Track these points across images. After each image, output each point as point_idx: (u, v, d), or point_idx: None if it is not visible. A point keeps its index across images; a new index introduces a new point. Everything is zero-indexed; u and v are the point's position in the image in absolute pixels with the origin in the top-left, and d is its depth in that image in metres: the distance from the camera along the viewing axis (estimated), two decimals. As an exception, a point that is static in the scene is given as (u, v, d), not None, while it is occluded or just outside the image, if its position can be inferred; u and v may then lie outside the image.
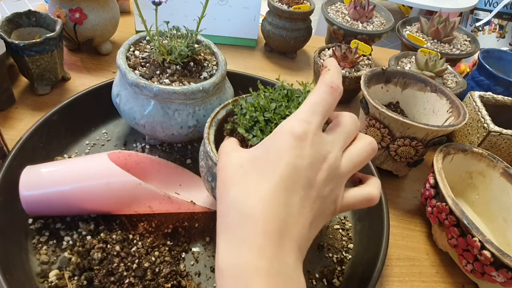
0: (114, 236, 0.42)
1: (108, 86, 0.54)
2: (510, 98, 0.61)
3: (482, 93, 0.61)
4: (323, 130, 0.30)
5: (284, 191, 0.26)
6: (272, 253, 0.24)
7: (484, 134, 0.56)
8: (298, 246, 0.26)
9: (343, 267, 0.46)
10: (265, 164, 0.27)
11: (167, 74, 0.49)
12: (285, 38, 0.79)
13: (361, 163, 0.31)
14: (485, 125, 0.56)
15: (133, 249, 0.42)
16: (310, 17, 0.80)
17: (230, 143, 0.33)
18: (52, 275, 0.39)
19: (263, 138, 0.36)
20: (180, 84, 0.48)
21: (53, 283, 0.39)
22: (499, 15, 1.78)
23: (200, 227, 0.47)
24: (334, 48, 0.71)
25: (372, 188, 0.32)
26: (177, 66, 0.49)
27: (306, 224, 0.27)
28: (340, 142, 0.30)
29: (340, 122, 0.31)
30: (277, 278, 0.24)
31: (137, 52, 0.51)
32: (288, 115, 0.37)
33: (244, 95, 0.45)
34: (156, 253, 0.42)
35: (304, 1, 0.80)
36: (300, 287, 0.25)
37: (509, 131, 0.55)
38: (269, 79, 0.63)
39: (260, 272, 0.24)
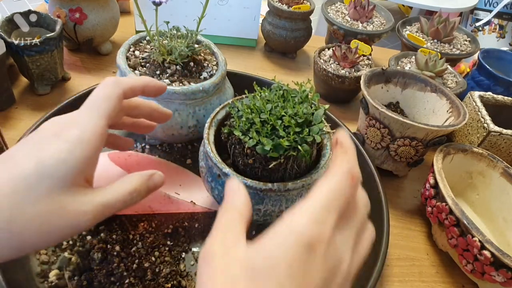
0: (114, 236, 0.42)
1: (108, 86, 0.54)
2: (510, 98, 0.61)
3: (482, 93, 0.61)
4: None
5: None
6: None
7: (484, 134, 0.56)
8: None
9: (343, 267, 0.46)
10: (266, 283, 0.21)
11: (167, 74, 0.49)
12: (285, 38, 0.79)
13: (365, 257, 0.27)
14: (485, 125, 0.56)
15: (133, 249, 0.42)
16: (310, 17, 0.80)
17: (225, 236, 0.24)
18: (52, 275, 0.39)
19: (259, 140, 0.36)
20: (180, 84, 0.48)
21: (53, 283, 0.39)
22: (499, 15, 1.78)
23: (200, 227, 0.47)
24: (334, 48, 0.71)
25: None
26: (177, 66, 0.49)
27: None
28: (353, 240, 0.25)
29: (356, 209, 0.26)
30: None
31: (137, 52, 0.51)
32: (284, 116, 0.37)
33: (239, 97, 0.45)
34: (156, 253, 0.42)
35: (304, 1, 0.80)
36: None
37: (509, 131, 0.55)
38: (269, 79, 0.63)
39: None
